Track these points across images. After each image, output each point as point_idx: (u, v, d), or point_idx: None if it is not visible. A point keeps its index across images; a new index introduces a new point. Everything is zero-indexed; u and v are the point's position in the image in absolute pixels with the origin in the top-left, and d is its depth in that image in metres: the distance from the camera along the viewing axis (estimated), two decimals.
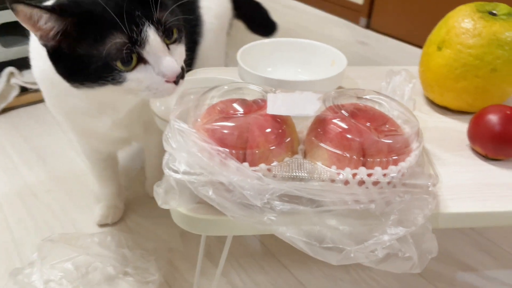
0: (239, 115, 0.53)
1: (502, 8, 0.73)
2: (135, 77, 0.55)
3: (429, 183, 0.52)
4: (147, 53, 0.55)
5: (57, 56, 0.56)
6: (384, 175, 0.50)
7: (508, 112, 0.64)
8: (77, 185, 1.06)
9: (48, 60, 0.59)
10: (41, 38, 0.54)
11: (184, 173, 0.50)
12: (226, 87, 0.58)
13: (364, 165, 0.51)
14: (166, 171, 0.51)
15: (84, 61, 0.54)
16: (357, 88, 0.59)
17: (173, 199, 0.54)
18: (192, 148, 0.49)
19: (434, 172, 0.54)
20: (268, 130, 0.52)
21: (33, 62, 0.68)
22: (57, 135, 1.23)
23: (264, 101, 0.56)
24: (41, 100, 1.38)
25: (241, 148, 0.51)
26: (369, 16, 2.02)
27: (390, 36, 1.96)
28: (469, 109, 0.76)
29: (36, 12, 0.51)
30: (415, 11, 1.85)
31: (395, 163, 0.51)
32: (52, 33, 0.53)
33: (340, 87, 0.78)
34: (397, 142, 0.52)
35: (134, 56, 0.54)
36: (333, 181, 0.51)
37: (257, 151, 0.51)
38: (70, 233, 0.89)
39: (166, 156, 0.52)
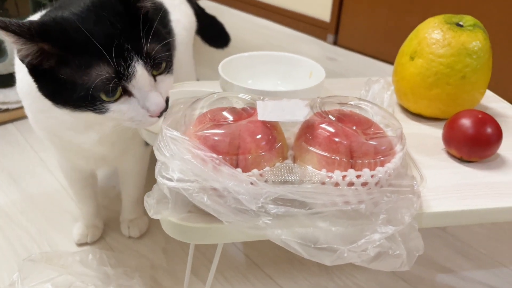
0: (230, 122, 0.54)
1: (467, 20, 0.78)
2: (118, 109, 0.54)
3: (414, 183, 0.54)
4: (133, 86, 0.54)
5: (37, 73, 0.54)
6: (372, 176, 0.52)
7: (480, 116, 0.68)
8: (51, 205, 1.03)
9: None
10: (17, 52, 0.52)
11: (178, 180, 0.50)
12: (215, 96, 0.59)
13: (352, 167, 0.52)
14: (159, 179, 0.51)
15: (66, 86, 0.52)
16: (341, 95, 0.61)
17: (165, 208, 0.54)
18: (185, 156, 0.50)
19: (420, 173, 0.56)
20: (259, 136, 0.53)
21: (18, 75, 0.66)
22: (27, 155, 1.20)
23: (253, 109, 0.57)
24: (9, 121, 1.34)
25: (233, 154, 0.52)
26: (336, 33, 2.09)
27: (356, 51, 2.03)
28: (442, 115, 0.80)
29: (2, 32, 0.48)
30: (379, 28, 1.93)
31: (382, 164, 0.53)
32: (21, 53, 0.51)
33: (315, 98, 0.80)
34: (382, 144, 0.54)
35: (119, 88, 0.53)
36: (323, 183, 0.52)
37: (249, 157, 0.51)
38: (51, 251, 0.86)
39: (158, 165, 0.52)
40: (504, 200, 0.62)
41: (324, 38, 2.13)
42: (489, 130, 0.67)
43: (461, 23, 0.78)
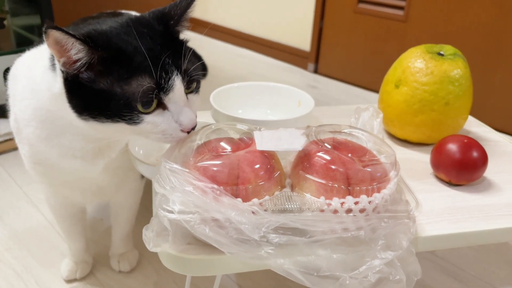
0: (228, 153, 0.55)
1: (447, 49, 0.82)
2: (152, 120, 0.55)
3: (410, 208, 0.55)
4: (169, 100, 0.56)
5: (73, 85, 0.55)
6: (370, 202, 0.53)
7: (466, 140, 0.71)
8: (37, 241, 1.00)
9: (44, 97, 0.59)
10: (63, 65, 0.53)
11: (180, 212, 0.50)
12: (213, 127, 0.59)
13: (350, 194, 0.54)
14: (160, 212, 0.51)
15: (102, 96, 0.54)
16: (334, 124, 0.63)
17: (165, 241, 0.53)
18: (186, 187, 0.50)
19: (415, 199, 0.58)
20: (258, 166, 0.54)
21: (20, 103, 0.65)
22: (11, 190, 1.17)
23: (250, 139, 0.58)
24: None
25: (233, 184, 0.52)
26: (316, 61, 2.14)
27: (336, 79, 2.09)
28: (428, 140, 0.83)
29: (70, 40, 0.50)
30: (357, 56, 2.00)
31: (378, 190, 0.54)
32: (78, 63, 0.52)
33: (308, 126, 0.82)
34: (378, 171, 0.55)
35: (155, 101, 0.55)
36: (322, 211, 0.53)
37: (249, 187, 0.52)
38: None
39: (158, 198, 0.52)
40: (493, 222, 0.64)
41: (305, 67, 2.18)
42: (475, 154, 0.69)
43: (442, 52, 0.82)
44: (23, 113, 0.65)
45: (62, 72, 0.55)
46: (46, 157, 0.67)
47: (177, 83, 0.55)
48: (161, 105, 0.56)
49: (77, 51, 0.51)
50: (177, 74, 0.55)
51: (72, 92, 0.55)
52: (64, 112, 0.57)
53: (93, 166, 0.67)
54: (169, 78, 0.54)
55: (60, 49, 0.52)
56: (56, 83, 0.57)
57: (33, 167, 0.70)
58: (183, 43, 0.59)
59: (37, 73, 0.61)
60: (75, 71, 0.53)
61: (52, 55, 0.57)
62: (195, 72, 0.58)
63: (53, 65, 0.58)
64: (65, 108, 0.57)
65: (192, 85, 0.59)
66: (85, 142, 0.63)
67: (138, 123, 0.55)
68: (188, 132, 0.58)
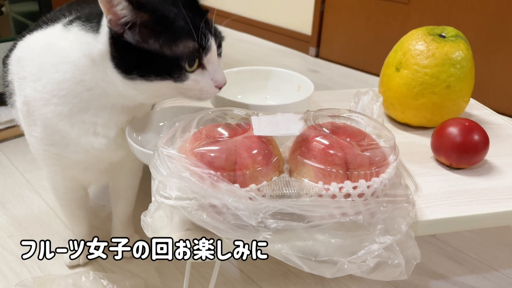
0: (226, 138, 0.54)
1: (449, 31, 0.80)
2: (195, 78, 0.62)
3: (409, 192, 0.55)
4: (207, 60, 0.63)
5: (120, 45, 0.59)
6: (368, 187, 0.53)
7: (467, 124, 0.70)
8: (40, 227, 1.01)
9: (73, 67, 0.62)
10: (110, 22, 0.58)
11: (177, 198, 0.50)
12: (210, 112, 0.59)
13: (348, 178, 0.53)
14: (157, 198, 0.51)
15: (152, 56, 0.59)
16: (333, 108, 0.62)
17: (163, 227, 0.53)
18: (183, 173, 0.50)
19: (414, 183, 0.57)
20: (255, 151, 0.53)
21: (35, 83, 0.65)
22: (13, 177, 1.18)
23: (248, 124, 0.57)
24: None
25: (230, 170, 0.52)
26: (317, 45, 2.12)
27: (338, 63, 2.07)
28: (428, 124, 0.82)
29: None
30: (358, 40, 1.97)
31: (377, 175, 0.54)
32: (122, 20, 0.57)
33: (307, 111, 0.81)
34: (377, 155, 0.55)
35: (197, 60, 0.61)
36: (320, 196, 0.53)
37: (247, 172, 0.52)
38: (43, 276, 0.84)
39: (155, 184, 0.52)
40: (494, 206, 0.63)
41: (306, 51, 2.16)
42: (476, 137, 0.69)
43: (443, 34, 0.80)
44: (40, 92, 0.65)
45: (110, 30, 0.58)
46: (62, 137, 0.67)
47: (213, 44, 0.62)
48: (201, 65, 0.62)
49: (122, 7, 0.56)
50: (211, 37, 0.62)
51: (120, 52, 0.60)
52: (98, 79, 0.62)
53: (114, 144, 0.69)
54: (208, 40, 0.62)
55: (109, 6, 0.56)
56: (98, 43, 0.61)
57: (45, 149, 0.70)
58: (206, 9, 0.65)
59: (63, 46, 0.64)
60: (120, 29, 0.58)
61: (98, 17, 0.61)
62: (220, 35, 0.66)
63: (96, 26, 0.61)
64: (101, 73, 0.61)
65: (220, 48, 0.66)
66: (110, 114, 0.66)
67: (184, 80, 0.61)
68: (220, 88, 0.64)
